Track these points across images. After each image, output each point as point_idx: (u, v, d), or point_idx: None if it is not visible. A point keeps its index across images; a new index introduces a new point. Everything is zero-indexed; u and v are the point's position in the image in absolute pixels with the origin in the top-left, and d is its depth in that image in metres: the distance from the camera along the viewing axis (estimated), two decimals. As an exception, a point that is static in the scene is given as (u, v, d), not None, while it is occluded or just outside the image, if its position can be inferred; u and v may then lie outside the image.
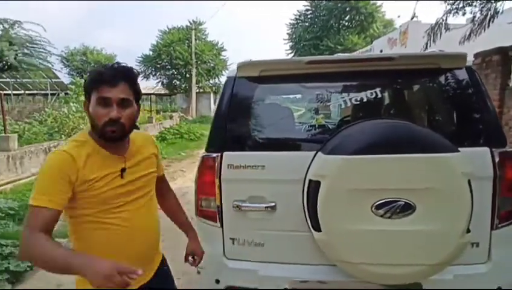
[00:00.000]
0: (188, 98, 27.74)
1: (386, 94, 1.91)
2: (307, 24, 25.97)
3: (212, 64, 28.61)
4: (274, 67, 1.94)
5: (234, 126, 1.94)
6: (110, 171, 1.26)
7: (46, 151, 7.84)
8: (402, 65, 1.81)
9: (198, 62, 27.20)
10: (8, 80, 21.50)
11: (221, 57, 29.25)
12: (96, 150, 1.24)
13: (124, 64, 1.27)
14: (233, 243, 1.93)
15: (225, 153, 1.90)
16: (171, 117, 18.46)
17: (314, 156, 1.71)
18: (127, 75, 1.24)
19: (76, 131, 9.79)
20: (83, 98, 7.35)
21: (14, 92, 23.59)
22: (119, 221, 1.28)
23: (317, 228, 1.62)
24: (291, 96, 2.06)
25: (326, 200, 1.55)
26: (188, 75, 27.43)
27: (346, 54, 1.98)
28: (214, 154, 1.92)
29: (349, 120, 1.73)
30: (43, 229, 1.12)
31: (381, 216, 1.52)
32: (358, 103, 1.81)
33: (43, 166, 1.20)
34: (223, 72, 29.50)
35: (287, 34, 27.09)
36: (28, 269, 3.42)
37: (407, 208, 1.52)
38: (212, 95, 30.06)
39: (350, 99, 1.83)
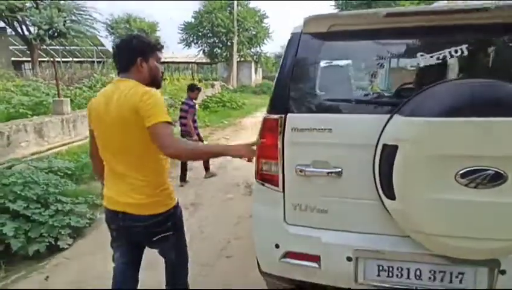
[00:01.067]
0: (229, 66, 27.58)
1: (473, 52, 1.69)
2: (353, -12, 24.32)
3: (254, 32, 28.02)
4: (345, 21, 1.77)
5: (299, 87, 1.82)
6: None
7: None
8: (498, 18, 1.56)
9: (240, 30, 26.73)
10: (57, 47, 22.54)
11: (264, 25, 28.53)
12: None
13: (148, 37, 1.77)
14: (294, 209, 1.87)
15: (289, 115, 1.80)
16: (212, 86, 18.53)
17: (390, 118, 1.56)
18: (160, 47, 1.81)
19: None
20: None
21: (63, 59, 24.71)
22: None
23: (390, 196, 1.51)
24: (364, 54, 1.87)
25: (404, 166, 1.42)
26: (229, 44, 27.12)
27: (428, 6, 1.73)
28: (277, 116, 1.83)
29: (428, 81, 1.54)
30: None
31: (466, 185, 1.37)
32: (440, 61, 1.61)
33: (155, 95, 1.59)
34: (265, 41, 28.89)
35: (333, -1, 25.62)
36: (87, 225, 3.64)
37: (497, 178, 1.36)
38: (253, 64, 29.69)
39: (431, 57, 1.63)
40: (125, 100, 1.57)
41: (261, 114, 14.41)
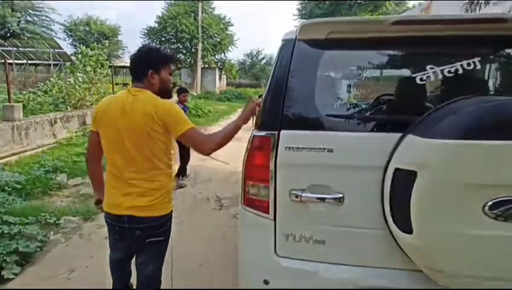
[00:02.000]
0: (193, 73, 27.12)
1: (488, 65, 1.56)
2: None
3: (218, 39, 27.80)
4: (346, 28, 1.58)
5: (294, 100, 1.60)
6: None
7: (52, 123, 7.53)
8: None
9: (205, 36, 26.40)
10: (10, 48, 20.94)
11: (228, 32, 28.41)
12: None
13: (167, 50, 1.99)
14: (287, 239, 1.63)
15: (283, 132, 1.57)
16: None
17: (402, 138, 1.38)
18: (174, 58, 2.06)
19: (83, 102, 9.43)
20: (89, 68, 6.97)
21: (16, 61, 23.02)
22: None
23: (406, 229, 1.31)
24: (367, 65, 1.69)
25: (425, 196, 1.23)
26: (193, 50, 26.69)
27: (442, 14, 1.61)
28: (269, 133, 1.59)
29: (442, 96, 1.39)
30: None
31: (495, 218, 1.21)
32: (453, 74, 1.46)
33: (174, 106, 1.78)
34: (230, 48, 28.76)
35: (297, 9, 26.14)
36: (37, 249, 3.17)
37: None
38: (217, 70, 29.39)
39: (442, 70, 1.48)
40: (148, 111, 1.69)
41: (227, 122, 14.40)
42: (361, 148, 1.50)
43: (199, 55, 25.86)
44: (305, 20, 1.61)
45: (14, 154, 6.31)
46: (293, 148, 1.56)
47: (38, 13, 17.97)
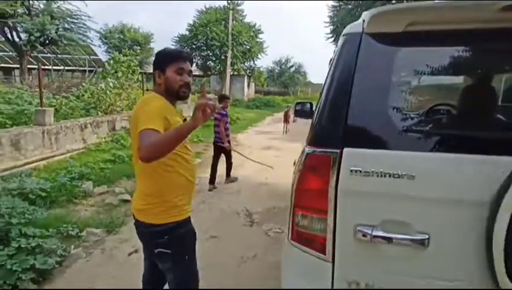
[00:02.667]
0: (222, 80, 27.20)
1: None
2: (350, 6, 24.37)
3: (248, 47, 27.82)
4: (433, 17, 1.22)
5: (361, 109, 1.25)
6: (179, 119, 1.71)
7: (82, 128, 7.51)
8: None
9: (234, 44, 26.48)
10: (49, 55, 21.82)
11: (258, 40, 28.37)
12: (171, 107, 1.74)
13: (186, 50, 1.90)
14: (349, 287, 1.27)
15: (347, 151, 1.23)
16: (205, 99, 17.97)
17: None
18: (191, 56, 1.85)
19: (113, 108, 9.47)
20: (120, 74, 6.83)
21: (55, 67, 24.03)
22: (188, 156, 1.77)
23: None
24: (461, 65, 1.31)
25: None
26: (223, 57, 26.81)
27: None
28: (328, 151, 1.25)
29: None
30: None
31: None
32: None
33: (146, 105, 1.62)
34: (259, 55, 28.69)
35: (328, 16, 25.63)
36: (56, 265, 2.95)
37: None
38: (246, 78, 29.38)
39: None
40: (134, 112, 1.68)
41: (255, 130, 14.13)
42: (455, 175, 1.12)
43: (228, 62, 25.92)
44: (375, 8, 1.26)
45: (43, 159, 6.29)
46: (360, 171, 1.20)
47: (75, 21, 18.56)
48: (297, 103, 4.23)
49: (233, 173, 6.17)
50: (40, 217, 3.40)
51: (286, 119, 12.94)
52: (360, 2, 23.47)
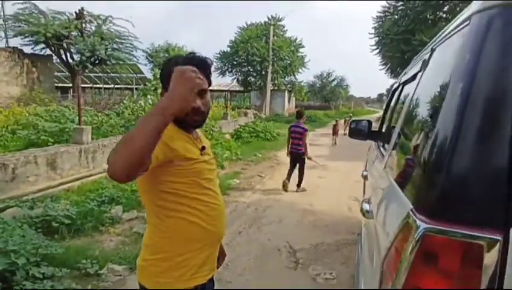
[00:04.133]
0: (262, 95, 26.95)
1: None
2: (396, 17, 23.18)
3: (288, 61, 27.42)
4: None
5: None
6: (193, 147, 1.32)
7: (119, 146, 7.35)
8: None
9: (275, 59, 26.22)
10: (100, 74, 22.94)
11: (299, 54, 27.89)
12: (177, 130, 1.29)
13: (198, 54, 1.34)
14: None
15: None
16: (245, 114, 17.68)
17: None
18: (203, 65, 1.30)
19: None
20: (160, 90, 6.23)
21: (105, 85, 25.22)
22: (207, 197, 1.32)
23: None
24: None
25: None
26: (263, 72, 26.63)
27: None
28: (478, 235, 0.62)
29: None
30: None
31: None
32: None
33: None
34: (300, 70, 28.17)
35: (373, 28, 24.58)
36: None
37: None
38: (286, 92, 28.90)
39: None
40: None
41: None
42: None
43: (269, 78, 25.63)
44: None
45: (78, 178, 6.11)
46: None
47: (123, 41, 19.36)
48: (353, 121, 3.58)
49: (275, 197, 5.69)
50: (56, 252, 3.00)
51: (335, 132, 13.65)
52: (408, 11, 22.29)
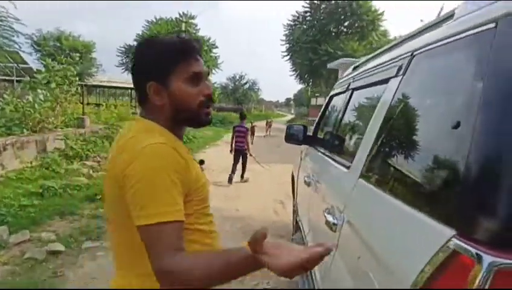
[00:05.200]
0: (172, 95, 25.92)
1: None
2: (305, 26, 24.75)
3: (201, 61, 26.98)
4: None
5: None
6: (196, 164, 1.04)
7: (0, 150, 5.98)
8: None
9: (187, 58, 25.48)
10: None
11: (212, 54, 27.63)
12: (176, 140, 1.00)
13: (184, 36, 1.03)
14: None
15: None
16: (156, 114, 16.60)
17: None
18: (200, 44, 1.05)
19: (44, 124, 7.90)
20: (54, 85, 5.23)
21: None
22: (207, 227, 1.04)
23: None
24: None
25: None
26: (174, 71, 25.62)
27: None
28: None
29: None
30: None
31: None
32: None
33: (147, 167, 0.86)
34: (213, 70, 27.93)
35: (284, 35, 25.78)
36: None
37: None
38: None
39: None
40: (117, 166, 0.92)
41: (214, 149, 13.27)
42: None
43: (180, 77, 24.75)
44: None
45: None
46: None
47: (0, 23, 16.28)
48: (289, 126, 3.45)
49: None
50: None
51: (252, 133, 14.29)
52: (315, 22, 23.96)
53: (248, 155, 7.48)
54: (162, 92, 0.97)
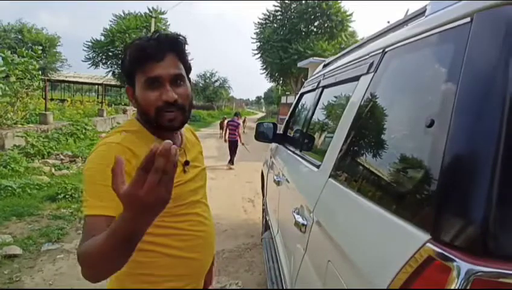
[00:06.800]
0: (142, 92, 25.12)
1: None
2: (275, 25, 24.82)
3: (170, 58, 26.31)
4: None
5: None
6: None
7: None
8: None
9: (156, 54, 24.76)
10: None
11: (182, 51, 27.06)
12: (151, 141, 1.00)
13: (167, 33, 1.05)
14: None
15: None
16: (124, 111, 16.07)
17: None
18: (174, 45, 1.02)
19: (2, 120, 7.42)
20: (13, 78, 4.87)
21: None
22: (188, 225, 1.08)
23: None
24: None
25: None
26: (143, 67, 24.83)
27: None
28: None
29: None
30: None
31: None
32: None
33: (93, 163, 0.93)
34: (183, 67, 27.41)
35: (255, 33, 25.72)
36: None
37: None
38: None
39: None
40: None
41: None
42: None
43: (149, 74, 24.03)
44: None
45: None
46: None
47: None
48: (259, 123, 3.40)
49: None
50: None
51: (222, 127, 14.59)
52: (285, 21, 24.09)
53: (240, 144, 9.08)
54: (134, 95, 1.03)
